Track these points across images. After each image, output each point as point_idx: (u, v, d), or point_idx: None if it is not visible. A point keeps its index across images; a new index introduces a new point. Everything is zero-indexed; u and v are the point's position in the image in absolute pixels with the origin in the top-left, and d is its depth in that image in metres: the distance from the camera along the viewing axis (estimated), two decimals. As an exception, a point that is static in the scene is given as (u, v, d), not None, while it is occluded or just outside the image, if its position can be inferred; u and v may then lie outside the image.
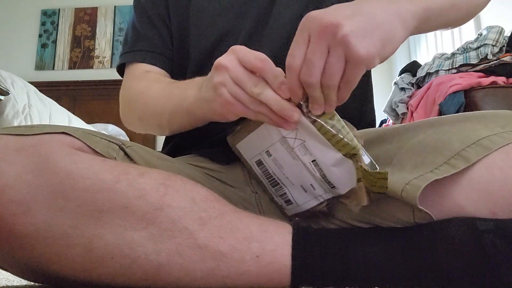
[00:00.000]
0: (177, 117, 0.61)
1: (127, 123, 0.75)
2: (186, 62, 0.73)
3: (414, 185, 0.43)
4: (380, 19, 0.44)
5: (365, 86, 0.74)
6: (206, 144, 0.68)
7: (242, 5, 0.71)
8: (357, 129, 0.65)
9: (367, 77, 0.75)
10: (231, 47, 0.49)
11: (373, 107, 0.76)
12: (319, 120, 0.47)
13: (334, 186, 0.51)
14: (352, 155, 0.47)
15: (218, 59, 0.49)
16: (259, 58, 0.46)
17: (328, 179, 0.51)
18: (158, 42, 0.74)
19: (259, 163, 0.56)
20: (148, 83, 0.69)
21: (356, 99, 0.71)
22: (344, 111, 0.70)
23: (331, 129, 0.47)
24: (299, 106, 0.47)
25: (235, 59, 0.47)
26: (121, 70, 0.77)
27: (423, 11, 0.49)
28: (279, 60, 0.54)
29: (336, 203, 0.54)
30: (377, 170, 0.46)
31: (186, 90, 0.58)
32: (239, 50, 0.48)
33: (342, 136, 0.47)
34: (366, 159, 0.48)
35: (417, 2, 0.49)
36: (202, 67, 0.69)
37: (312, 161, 0.50)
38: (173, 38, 0.75)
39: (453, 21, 0.61)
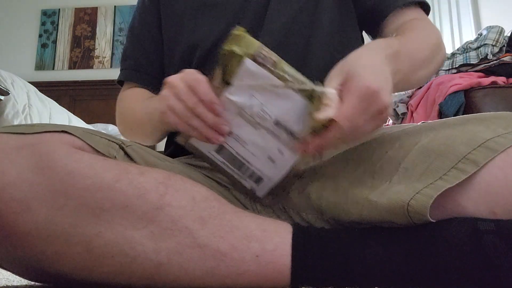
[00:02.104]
0: (152, 127, 0.69)
1: (121, 131, 0.81)
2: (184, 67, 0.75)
3: (425, 195, 0.43)
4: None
5: None
6: None
7: (236, 10, 0.72)
8: None
9: None
10: (182, 70, 0.55)
11: None
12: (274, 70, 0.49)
13: (293, 132, 0.51)
14: (310, 96, 0.48)
15: (167, 78, 0.55)
16: (194, 78, 0.51)
17: (290, 129, 0.51)
18: (143, 62, 0.80)
19: (220, 149, 0.55)
20: (135, 97, 0.77)
21: None
22: None
23: (284, 74, 0.49)
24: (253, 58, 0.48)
25: (179, 78, 0.53)
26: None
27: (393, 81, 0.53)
28: None
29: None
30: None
31: (153, 103, 0.66)
32: (185, 72, 0.54)
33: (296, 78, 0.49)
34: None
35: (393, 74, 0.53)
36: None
37: (275, 122, 0.51)
38: (164, 52, 0.79)
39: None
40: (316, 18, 0.70)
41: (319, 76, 0.51)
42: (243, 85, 0.49)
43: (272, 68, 0.48)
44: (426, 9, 0.73)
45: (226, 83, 0.50)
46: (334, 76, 0.49)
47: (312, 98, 0.48)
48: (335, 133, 0.47)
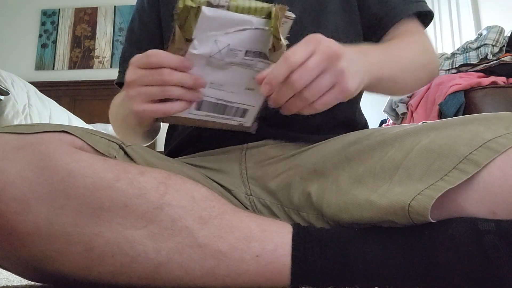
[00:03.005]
0: (134, 131, 0.69)
1: (115, 132, 0.80)
2: None
3: (426, 196, 0.43)
4: (361, 65, 0.52)
5: None
6: (205, 144, 0.68)
7: None
8: (354, 130, 0.65)
9: None
10: (130, 60, 0.53)
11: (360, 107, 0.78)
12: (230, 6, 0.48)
13: (263, 53, 0.52)
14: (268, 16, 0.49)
15: (125, 78, 0.53)
16: (146, 55, 0.50)
17: (259, 51, 0.52)
18: None
19: (200, 104, 0.55)
20: (120, 99, 0.75)
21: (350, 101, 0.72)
22: (339, 113, 0.70)
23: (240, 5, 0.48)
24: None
25: (135, 67, 0.52)
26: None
27: (377, 74, 0.57)
28: None
29: None
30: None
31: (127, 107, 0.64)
32: (134, 59, 0.52)
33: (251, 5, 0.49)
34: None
35: (376, 66, 0.57)
36: None
37: (245, 53, 0.51)
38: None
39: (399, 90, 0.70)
40: (320, 22, 0.70)
41: None
42: (204, 35, 0.49)
43: (228, 4, 0.47)
44: (430, 19, 0.73)
45: (187, 40, 0.49)
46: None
47: (270, 14, 0.49)
48: (283, 69, 0.46)
